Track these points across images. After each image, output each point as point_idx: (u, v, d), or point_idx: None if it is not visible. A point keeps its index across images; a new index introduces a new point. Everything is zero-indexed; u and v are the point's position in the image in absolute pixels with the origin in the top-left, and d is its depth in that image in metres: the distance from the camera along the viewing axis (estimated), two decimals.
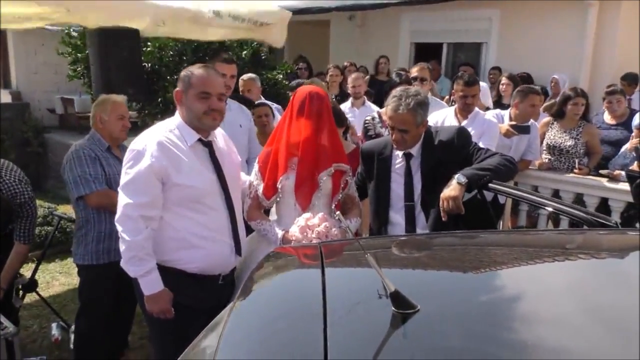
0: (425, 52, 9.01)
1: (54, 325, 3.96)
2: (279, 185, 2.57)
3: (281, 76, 6.42)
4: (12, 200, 3.14)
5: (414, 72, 4.96)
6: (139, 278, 2.33)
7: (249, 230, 2.69)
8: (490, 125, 4.08)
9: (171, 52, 5.78)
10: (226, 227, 2.44)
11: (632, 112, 4.89)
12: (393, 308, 1.15)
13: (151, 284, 2.32)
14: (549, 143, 4.56)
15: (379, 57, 7.88)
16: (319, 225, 2.44)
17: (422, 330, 1.16)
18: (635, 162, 4.19)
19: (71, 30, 6.04)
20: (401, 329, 1.14)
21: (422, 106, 2.72)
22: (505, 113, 4.52)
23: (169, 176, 2.28)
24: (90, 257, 3.19)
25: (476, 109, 4.20)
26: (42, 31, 8.06)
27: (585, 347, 1.09)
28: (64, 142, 8.47)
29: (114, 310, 3.32)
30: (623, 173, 4.06)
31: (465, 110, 4.13)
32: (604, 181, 4.16)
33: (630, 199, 3.77)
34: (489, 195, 3.28)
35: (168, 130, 2.38)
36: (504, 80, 6.14)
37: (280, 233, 2.55)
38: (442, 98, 6.08)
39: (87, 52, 5.18)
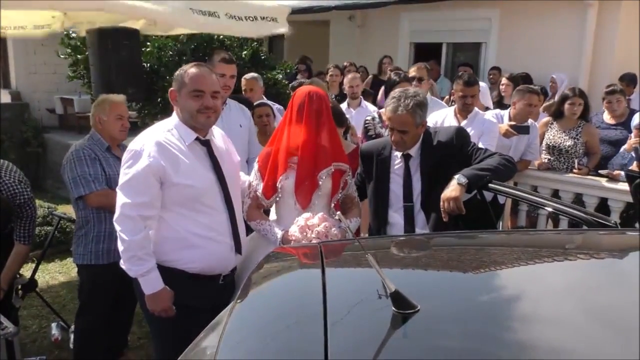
0: (425, 52, 9.02)
1: (53, 325, 3.96)
2: (278, 185, 2.57)
3: (281, 76, 6.42)
4: (11, 201, 3.14)
5: (412, 72, 4.98)
6: (139, 277, 2.33)
7: (249, 230, 2.70)
8: (490, 126, 4.09)
9: (170, 52, 5.78)
10: (226, 227, 2.44)
11: (632, 112, 4.90)
12: (393, 308, 1.16)
13: (151, 283, 2.33)
14: (548, 143, 4.56)
15: (383, 57, 7.85)
16: (318, 225, 2.44)
17: (423, 330, 1.17)
18: (635, 162, 4.19)
19: (70, 31, 6.03)
20: (401, 329, 1.15)
21: (421, 107, 2.73)
22: (505, 113, 4.52)
23: (167, 176, 2.29)
24: (90, 257, 3.20)
25: (475, 109, 4.21)
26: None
27: (585, 347, 1.10)
28: (64, 142, 8.48)
29: (114, 310, 3.32)
30: (622, 173, 4.06)
31: (464, 111, 4.13)
32: (604, 181, 4.16)
33: (630, 199, 3.77)
34: (488, 196, 3.28)
35: (166, 130, 2.38)
36: (504, 80, 6.15)
37: (279, 233, 2.55)
38: (442, 98, 6.09)
39: (86, 53, 5.18)
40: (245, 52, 6.10)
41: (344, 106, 5.17)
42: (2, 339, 2.41)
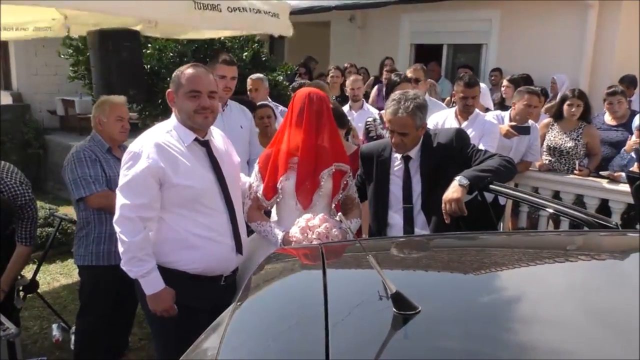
0: (426, 53, 9.02)
1: (54, 326, 3.97)
2: (279, 186, 2.57)
3: (282, 77, 6.43)
4: (12, 202, 3.14)
5: (408, 73, 4.98)
6: (139, 278, 2.33)
7: (250, 231, 2.70)
8: (491, 127, 4.09)
9: (171, 54, 5.79)
10: (226, 227, 2.45)
11: (633, 114, 4.89)
12: (394, 309, 1.16)
13: (152, 284, 2.33)
14: (549, 144, 4.56)
15: (384, 59, 7.84)
16: (319, 226, 2.44)
17: (423, 331, 1.17)
18: (635, 163, 4.19)
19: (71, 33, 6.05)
20: (402, 330, 1.15)
21: (422, 109, 2.73)
22: (506, 114, 4.52)
23: (166, 177, 2.29)
24: (91, 258, 3.20)
25: (476, 110, 4.21)
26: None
27: (586, 349, 1.10)
28: (65, 143, 8.48)
29: (115, 311, 3.32)
30: (623, 174, 4.06)
31: (465, 112, 4.13)
32: (604, 182, 4.16)
33: (631, 200, 3.77)
34: (489, 197, 3.28)
35: (165, 131, 2.39)
36: (505, 82, 6.15)
37: (280, 234, 2.55)
38: (443, 100, 6.09)
39: (87, 54, 5.19)
40: (246, 53, 6.11)
41: (345, 108, 5.16)
42: (4, 340, 2.41)
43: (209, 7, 3.42)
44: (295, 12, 8.82)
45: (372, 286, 1.28)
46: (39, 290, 4.09)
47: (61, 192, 7.88)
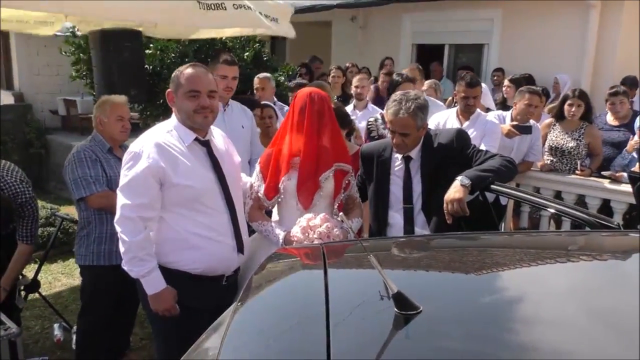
0: (427, 53, 9.01)
1: (56, 325, 3.97)
2: (280, 186, 2.57)
3: (283, 78, 6.43)
4: (13, 200, 3.15)
5: (404, 73, 4.97)
6: (140, 278, 2.34)
7: (251, 231, 2.70)
8: (492, 127, 4.09)
9: (173, 54, 5.79)
10: (227, 227, 2.45)
11: (635, 114, 4.88)
12: (396, 309, 1.16)
13: (153, 283, 2.33)
14: (550, 144, 4.56)
15: (385, 59, 7.84)
16: (320, 226, 2.44)
17: (425, 331, 1.17)
18: (637, 164, 4.18)
19: (75, 29, 6.05)
20: (404, 330, 1.15)
21: (423, 110, 2.73)
22: (507, 114, 4.52)
23: (167, 177, 2.29)
24: (92, 257, 3.20)
25: (478, 110, 4.21)
26: None
27: (588, 349, 1.10)
28: (67, 143, 8.50)
29: (116, 311, 3.32)
30: (625, 174, 4.05)
31: (467, 112, 4.13)
32: (606, 183, 4.15)
33: (633, 200, 3.77)
34: (490, 197, 3.28)
35: (165, 131, 2.39)
36: (506, 82, 6.14)
37: (282, 234, 2.55)
38: (445, 100, 6.08)
39: (89, 53, 5.19)
40: (247, 53, 6.10)
41: (349, 108, 5.15)
42: (5, 340, 2.42)
43: (213, 7, 3.41)
44: (296, 11, 8.84)
45: (373, 286, 1.28)
46: (40, 290, 4.10)
47: (63, 191, 7.89)
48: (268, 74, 5.21)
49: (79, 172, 3.11)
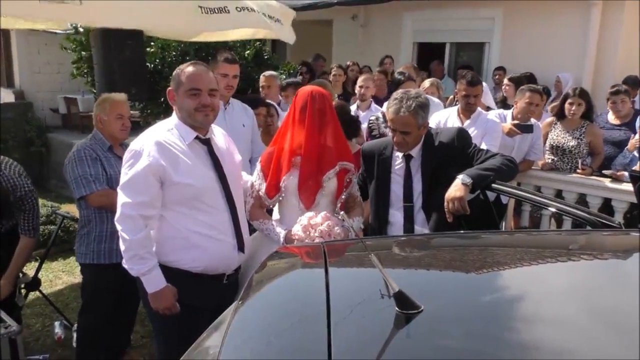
0: (428, 51, 9.01)
1: (56, 323, 3.98)
2: (282, 185, 2.57)
3: (284, 76, 6.43)
4: (12, 193, 3.17)
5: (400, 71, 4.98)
6: (141, 276, 2.34)
7: (252, 229, 2.70)
8: (493, 125, 4.08)
9: (174, 52, 5.79)
10: (228, 225, 2.45)
11: (636, 113, 4.87)
12: (397, 308, 1.16)
13: (153, 282, 2.33)
14: (551, 143, 4.55)
15: (384, 57, 7.83)
16: (321, 224, 2.45)
17: (426, 330, 1.17)
18: (639, 163, 4.18)
19: (78, 26, 6.05)
20: (405, 330, 1.14)
21: (423, 108, 2.73)
22: (508, 113, 4.52)
23: (167, 175, 2.29)
24: (92, 256, 3.21)
25: (479, 109, 4.20)
26: (46, 31, 8.08)
27: (589, 349, 1.09)
28: (67, 141, 8.50)
29: (117, 309, 3.33)
30: (626, 173, 4.05)
31: (467, 110, 4.13)
32: (607, 182, 4.15)
33: (634, 199, 3.76)
34: (491, 195, 3.28)
35: (166, 129, 2.39)
36: (505, 81, 6.13)
37: (282, 232, 2.55)
38: (446, 98, 6.07)
39: (90, 51, 5.19)
40: (248, 52, 6.10)
41: (352, 108, 5.13)
42: (6, 338, 2.42)
43: (217, 11, 3.40)
44: (298, 9, 8.83)
45: (374, 285, 1.28)
46: (41, 288, 4.10)
47: (63, 190, 7.90)
48: (274, 72, 5.26)
49: (79, 170, 3.11)
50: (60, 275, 5.19)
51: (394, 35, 9.18)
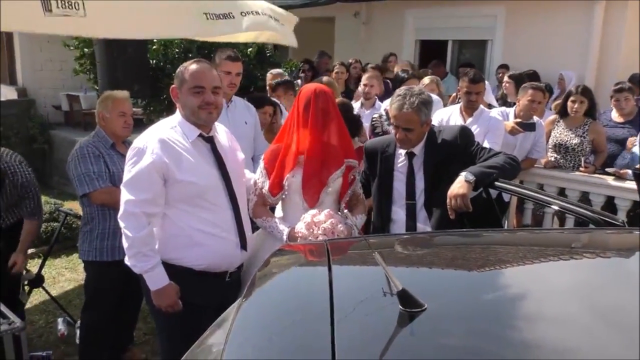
0: (430, 49, 8.98)
1: (60, 320, 3.99)
2: (285, 183, 2.57)
3: (287, 74, 6.42)
4: (12, 180, 3.36)
5: (396, 69, 4.98)
6: (143, 274, 2.34)
7: (254, 227, 2.70)
8: (496, 123, 4.08)
9: (176, 49, 5.78)
10: (231, 223, 2.45)
11: None
12: (400, 306, 1.16)
13: (156, 279, 2.34)
14: (554, 141, 4.54)
15: (388, 55, 7.79)
16: (325, 222, 2.45)
17: (430, 329, 1.17)
18: None
19: None
20: (408, 328, 1.14)
21: (427, 105, 2.73)
22: (510, 111, 4.51)
23: (170, 173, 2.29)
24: (95, 253, 3.22)
25: (481, 106, 4.20)
26: None
27: (592, 347, 1.09)
28: (70, 138, 8.52)
29: (119, 306, 3.34)
30: (630, 171, 4.04)
31: (470, 108, 4.12)
32: (610, 179, 4.14)
33: (637, 197, 3.76)
34: (493, 193, 3.28)
35: (169, 127, 2.39)
36: (505, 78, 6.11)
37: (286, 230, 2.55)
38: (449, 96, 6.06)
39: (93, 48, 5.19)
40: (250, 49, 6.09)
41: (356, 106, 5.12)
42: (9, 334, 2.42)
43: (222, 17, 3.39)
44: (300, 6, 8.82)
45: (377, 283, 1.28)
46: (44, 285, 4.12)
47: (66, 187, 7.91)
48: (280, 70, 5.29)
49: (82, 168, 3.12)
50: (63, 272, 5.20)
51: (396, 32, 9.16)
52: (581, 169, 4.33)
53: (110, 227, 3.16)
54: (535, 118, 4.41)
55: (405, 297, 1.16)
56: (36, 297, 4.39)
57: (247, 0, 3.83)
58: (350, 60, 7.53)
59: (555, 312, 1.22)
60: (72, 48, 6.18)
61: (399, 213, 2.89)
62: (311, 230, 2.44)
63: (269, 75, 5.08)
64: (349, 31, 9.94)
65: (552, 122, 4.66)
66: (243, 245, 2.49)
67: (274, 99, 4.55)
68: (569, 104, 4.47)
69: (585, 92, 4.47)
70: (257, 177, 2.71)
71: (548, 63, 7.01)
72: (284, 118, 4.04)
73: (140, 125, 3.77)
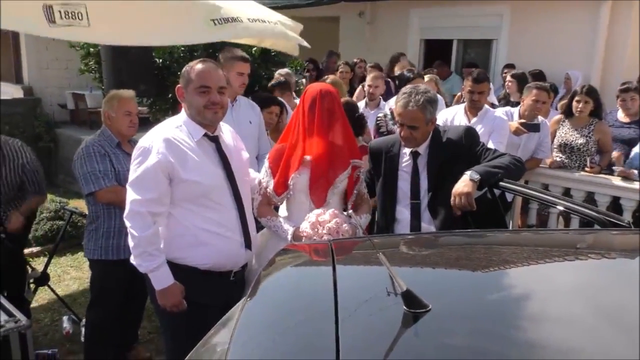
0: (435, 48, 8.96)
1: (65, 318, 4.01)
2: (290, 183, 2.58)
3: (293, 74, 6.42)
4: (14, 159, 3.57)
5: (397, 70, 4.97)
6: (149, 273, 2.35)
7: (259, 227, 2.70)
8: (501, 123, 4.06)
9: (182, 48, 5.78)
10: (235, 223, 2.45)
11: None
12: (404, 307, 1.16)
13: (161, 279, 2.34)
14: (559, 141, 4.53)
15: (399, 55, 7.75)
16: (329, 221, 2.45)
17: (434, 329, 1.17)
18: None
19: None
20: (413, 328, 1.14)
21: (432, 104, 2.73)
22: (515, 111, 4.49)
23: (175, 172, 2.30)
24: (100, 252, 3.23)
25: (486, 106, 4.18)
26: None
27: (596, 348, 1.09)
28: (75, 137, 8.54)
29: (124, 304, 3.35)
30: (636, 172, 4.03)
31: (474, 108, 4.11)
32: (616, 180, 4.12)
33: None
34: (495, 193, 3.27)
35: (175, 126, 2.40)
36: (508, 78, 6.09)
37: (290, 229, 2.56)
38: (454, 96, 6.04)
39: (98, 47, 5.21)
40: (254, 49, 6.09)
41: (361, 106, 5.11)
42: (15, 332, 2.44)
43: (230, 20, 3.40)
44: (304, 5, 8.81)
45: (382, 283, 1.28)
46: (49, 283, 4.14)
47: (72, 185, 7.94)
48: (289, 70, 5.33)
49: (87, 167, 3.13)
50: (69, 270, 5.22)
51: (401, 32, 9.14)
52: (587, 169, 4.31)
53: (116, 225, 3.17)
54: (540, 118, 4.40)
55: (409, 298, 1.16)
56: (42, 296, 4.41)
57: (256, 9, 3.85)
58: (354, 60, 7.52)
59: (560, 313, 1.22)
60: (78, 49, 6.19)
61: (403, 213, 2.89)
62: (316, 229, 2.44)
63: (276, 75, 5.10)
64: (353, 31, 9.92)
65: (557, 121, 4.64)
66: (248, 244, 2.50)
67: (280, 99, 4.56)
68: (574, 104, 4.45)
69: (591, 92, 4.45)
70: (261, 176, 2.71)
71: (553, 63, 6.98)
72: (289, 117, 4.04)
73: (146, 124, 3.78)
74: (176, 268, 2.37)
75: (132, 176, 2.35)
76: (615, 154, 4.21)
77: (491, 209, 2.97)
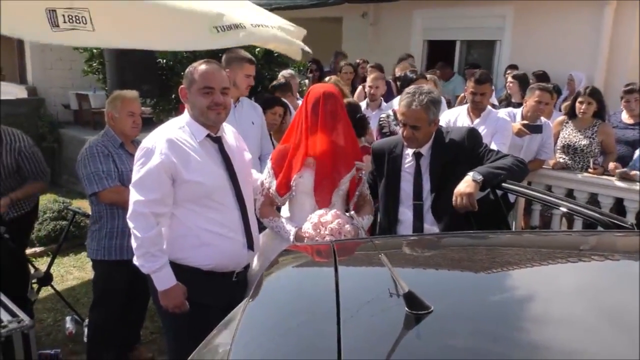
0: (438, 49, 8.96)
1: (68, 318, 4.02)
2: (292, 183, 2.58)
3: (296, 75, 6.43)
4: (11, 143, 3.59)
5: (397, 71, 4.98)
6: (151, 274, 2.35)
7: (261, 228, 2.70)
8: (503, 124, 4.06)
9: None
10: (238, 223, 2.46)
11: None
12: (406, 308, 1.16)
13: (164, 279, 2.35)
14: (563, 142, 4.52)
15: (407, 56, 7.74)
16: (332, 222, 2.45)
17: (436, 331, 1.17)
18: None
19: None
20: (415, 330, 1.14)
21: (435, 104, 2.73)
22: (518, 112, 4.49)
23: (178, 173, 2.30)
24: (103, 252, 3.23)
25: (488, 107, 4.18)
26: None
27: (598, 350, 1.09)
28: (79, 137, 8.56)
29: (127, 305, 3.35)
30: (638, 173, 4.01)
31: (476, 109, 4.11)
32: (619, 181, 4.11)
33: None
34: (498, 194, 3.26)
35: (178, 127, 2.40)
36: (509, 78, 6.08)
37: (293, 230, 2.56)
38: (457, 97, 6.03)
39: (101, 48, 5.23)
40: (258, 49, 6.10)
41: (362, 107, 5.11)
42: (18, 332, 2.44)
43: (233, 27, 3.40)
44: (308, 6, 8.82)
45: (384, 285, 1.28)
46: (52, 283, 4.15)
47: (75, 185, 7.96)
48: (292, 71, 5.36)
49: (91, 167, 3.14)
50: (72, 270, 5.23)
51: (404, 33, 9.13)
52: (590, 170, 4.30)
53: (119, 226, 3.17)
54: (543, 119, 4.39)
55: (411, 299, 1.16)
56: (44, 296, 4.42)
57: (260, 13, 3.86)
58: (357, 61, 7.52)
59: (563, 315, 1.22)
60: (81, 51, 6.21)
61: (406, 213, 2.88)
62: (318, 230, 2.45)
63: (280, 77, 5.12)
64: (356, 31, 9.92)
65: (561, 123, 4.63)
66: (250, 245, 2.50)
67: (284, 100, 4.56)
68: (577, 105, 4.44)
69: (594, 94, 4.44)
70: (264, 177, 2.72)
71: (557, 64, 6.97)
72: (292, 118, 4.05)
73: (149, 124, 3.79)
74: (178, 269, 2.37)
75: (135, 177, 2.35)
76: (611, 165, 4.19)
77: (494, 210, 2.97)
